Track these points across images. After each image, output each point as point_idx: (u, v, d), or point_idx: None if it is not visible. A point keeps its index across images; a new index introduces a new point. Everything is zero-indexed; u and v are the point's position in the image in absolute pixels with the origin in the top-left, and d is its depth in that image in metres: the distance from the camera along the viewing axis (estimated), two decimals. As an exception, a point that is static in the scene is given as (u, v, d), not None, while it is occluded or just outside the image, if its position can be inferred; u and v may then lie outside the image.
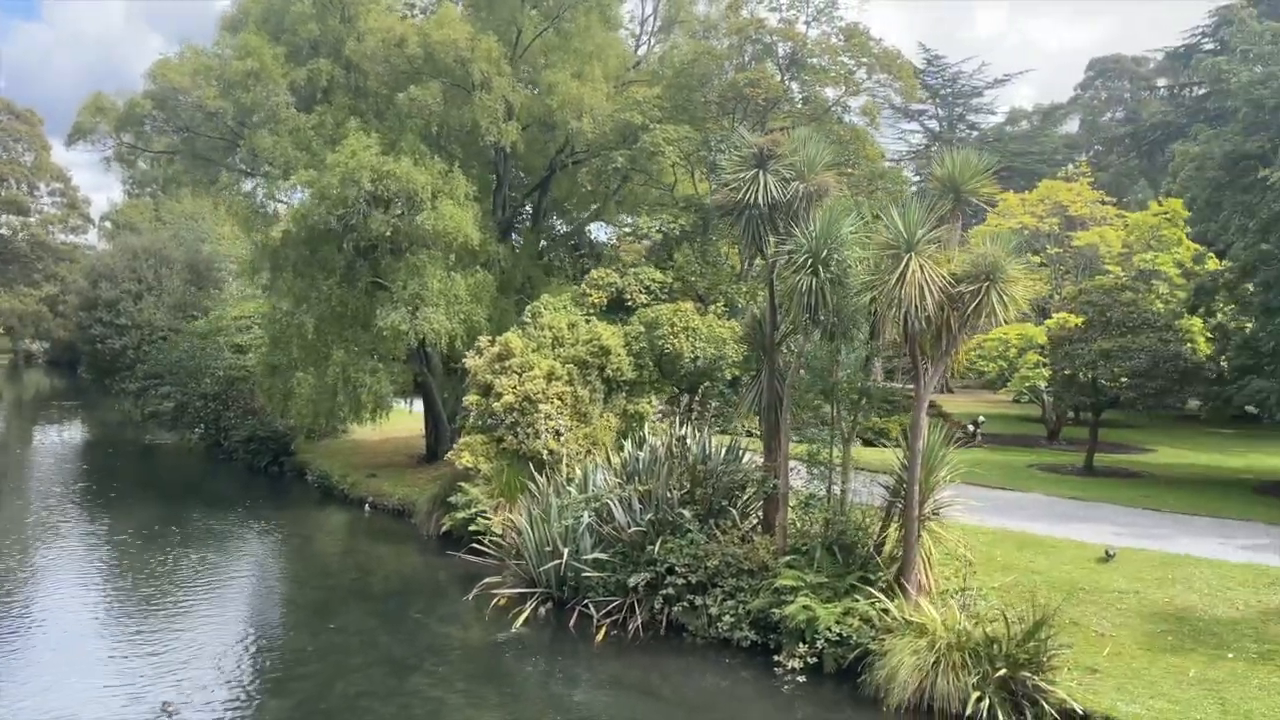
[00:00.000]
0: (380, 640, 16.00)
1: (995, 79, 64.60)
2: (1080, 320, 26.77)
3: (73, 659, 15.00)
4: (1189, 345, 25.33)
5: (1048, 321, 29.32)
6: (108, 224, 79.18)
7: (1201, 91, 40.07)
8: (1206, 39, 44.61)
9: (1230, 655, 13.62)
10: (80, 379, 63.79)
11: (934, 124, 65.69)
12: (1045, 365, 28.38)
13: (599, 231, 33.93)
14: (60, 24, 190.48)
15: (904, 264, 13.79)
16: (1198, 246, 28.91)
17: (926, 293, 13.76)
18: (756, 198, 16.20)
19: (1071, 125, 72.15)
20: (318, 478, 30.07)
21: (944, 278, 13.99)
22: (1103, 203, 36.16)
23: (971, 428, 33.67)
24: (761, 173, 16.28)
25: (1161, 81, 64.92)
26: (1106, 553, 17.35)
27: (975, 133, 64.86)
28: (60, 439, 43.03)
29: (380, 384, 25.51)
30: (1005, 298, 13.93)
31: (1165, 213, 31.63)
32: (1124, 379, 25.31)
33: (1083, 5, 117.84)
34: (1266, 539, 18.82)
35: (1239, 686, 12.74)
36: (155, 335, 45.01)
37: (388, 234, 24.40)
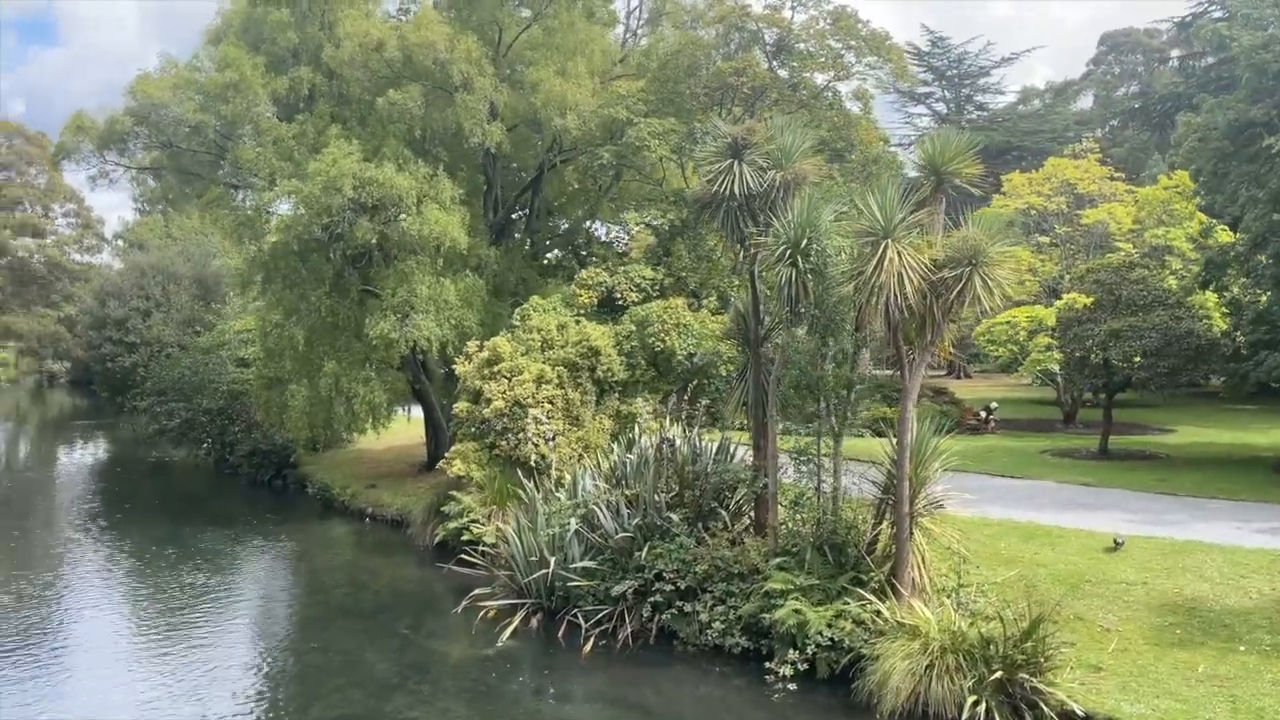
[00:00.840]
0: (364, 658, 15.62)
1: (1002, 58, 63.54)
2: (1090, 300, 26.03)
3: (44, 685, 14.70)
4: (1204, 322, 24.54)
5: (1058, 303, 28.58)
6: (120, 242, 79.71)
7: (1209, 61, 39.06)
8: (1214, 6, 43.46)
9: (1242, 648, 12.96)
10: (99, 398, 64.18)
11: (941, 106, 64.66)
12: (1056, 348, 27.66)
13: (604, 229, 33.49)
14: (77, 45, 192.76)
15: (881, 251, 13.24)
16: (1207, 219, 28.02)
17: (906, 280, 13.21)
18: (733, 189, 15.71)
19: (1086, 102, 70.91)
20: (318, 490, 29.85)
21: (924, 264, 13.42)
22: (1111, 178, 35.33)
23: (984, 414, 32.98)
24: (737, 163, 15.78)
25: (1175, 53, 63.61)
26: (1115, 541, 16.68)
27: (984, 113, 63.79)
28: (75, 459, 43.15)
29: (374, 394, 25.22)
30: (989, 282, 13.34)
31: (1176, 186, 30.79)
32: (1136, 359, 24.55)
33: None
34: (1286, 521, 18.08)
35: (1251, 682, 12.10)
36: (164, 351, 45.02)
37: (374, 241, 24.04)
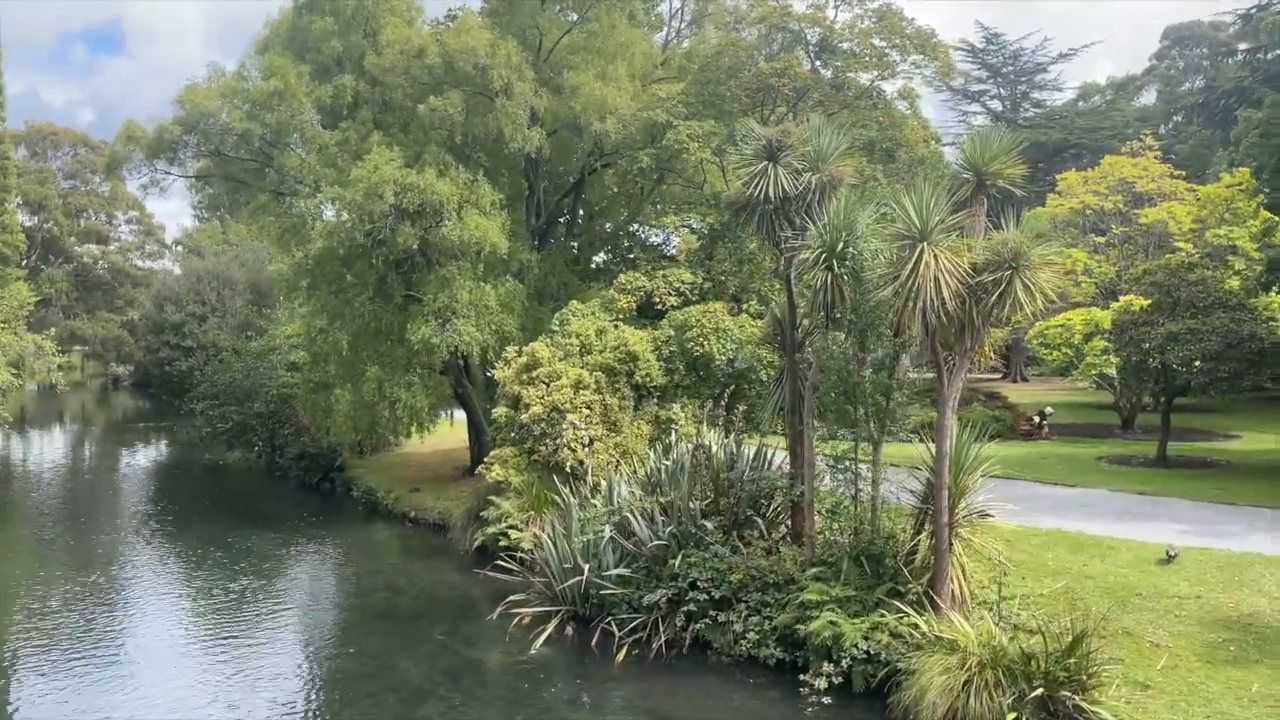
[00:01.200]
0: (399, 664, 15.64)
1: (1060, 54, 61.90)
2: (1147, 302, 25.18)
3: (85, 683, 14.94)
4: (1267, 324, 23.56)
5: (1114, 305, 27.73)
6: (180, 248, 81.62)
7: (1276, 53, 37.69)
8: (1282, -3, 42.02)
9: (1301, 668, 12.37)
10: (160, 401, 65.76)
11: (996, 104, 63.32)
12: (1113, 351, 26.82)
13: (653, 234, 33.32)
14: (144, 56, 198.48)
15: (917, 255, 12.88)
16: (1271, 216, 26.94)
17: (943, 284, 12.82)
18: (767, 192, 15.46)
19: (1149, 98, 68.91)
20: (363, 493, 30.14)
21: (963, 268, 13.02)
22: (1171, 176, 34.20)
23: (1038, 419, 32.16)
24: (771, 165, 15.52)
25: (1242, 46, 61.53)
26: (1168, 553, 16.09)
27: (1041, 111, 62.31)
28: (134, 461, 44.20)
29: (416, 398, 25.36)
30: (1030, 286, 12.89)
31: (1238, 184, 29.69)
32: (1196, 363, 23.69)
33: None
34: (1353, 533, 17.27)
35: (1308, 703, 11.52)
36: (218, 356, 45.90)
37: (415, 246, 24.20)
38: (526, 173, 28.57)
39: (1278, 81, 27.41)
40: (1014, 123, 58.09)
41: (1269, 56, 41.16)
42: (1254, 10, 43.03)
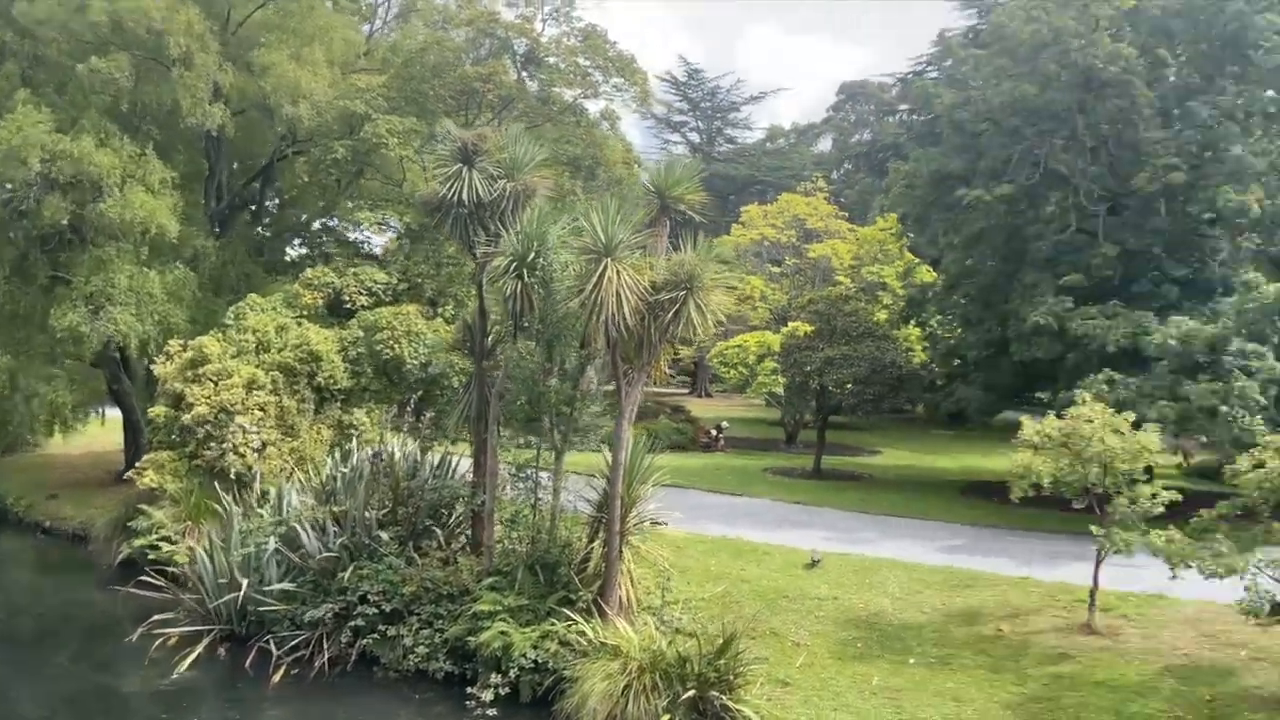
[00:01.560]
0: (7, 694, 13.66)
1: (751, 96, 66.99)
2: (810, 329, 27.67)
3: None
4: (906, 353, 26.67)
5: (784, 329, 30.21)
6: None
7: (926, 115, 43.29)
8: (932, 67, 48.05)
9: (912, 661, 13.92)
10: None
11: (695, 136, 67.27)
12: (780, 371, 29.18)
13: (353, 230, 31.76)
14: None
15: (601, 269, 13.20)
16: (913, 257, 30.64)
17: (624, 300, 13.23)
18: (462, 195, 15.24)
19: (826, 144, 76.12)
20: (-12, 499, 26.31)
21: (643, 286, 13.52)
22: (837, 216, 37.92)
23: (715, 432, 34.26)
24: (467, 169, 15.32)
25: (903, 106, 69.66)
26: (813, 558, 17.58)
27: (734, 146, 66.98)
28: None
29: (58, 393, 22.53)
30: (703, 307, 13.63)
31: (889, 228, 33.47)
32: (848, 385, 26.30)
33: (848, 31, 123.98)
34: (962, 540, 19.76)
35: (917, 694, 12.97)
36: None
37: (66, 222, 21.49)
38: (207, 151, 26.34)
39: (925, 140, 31.40)
40: (710, 155, 61.97)
41: (920, 118, 46.91)
42: (909, 76, 48.85)
